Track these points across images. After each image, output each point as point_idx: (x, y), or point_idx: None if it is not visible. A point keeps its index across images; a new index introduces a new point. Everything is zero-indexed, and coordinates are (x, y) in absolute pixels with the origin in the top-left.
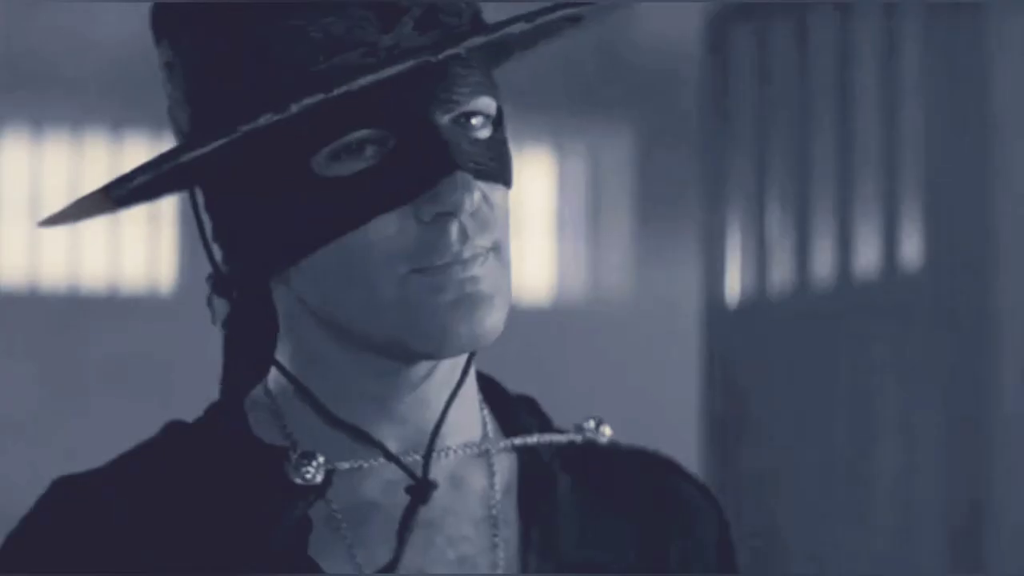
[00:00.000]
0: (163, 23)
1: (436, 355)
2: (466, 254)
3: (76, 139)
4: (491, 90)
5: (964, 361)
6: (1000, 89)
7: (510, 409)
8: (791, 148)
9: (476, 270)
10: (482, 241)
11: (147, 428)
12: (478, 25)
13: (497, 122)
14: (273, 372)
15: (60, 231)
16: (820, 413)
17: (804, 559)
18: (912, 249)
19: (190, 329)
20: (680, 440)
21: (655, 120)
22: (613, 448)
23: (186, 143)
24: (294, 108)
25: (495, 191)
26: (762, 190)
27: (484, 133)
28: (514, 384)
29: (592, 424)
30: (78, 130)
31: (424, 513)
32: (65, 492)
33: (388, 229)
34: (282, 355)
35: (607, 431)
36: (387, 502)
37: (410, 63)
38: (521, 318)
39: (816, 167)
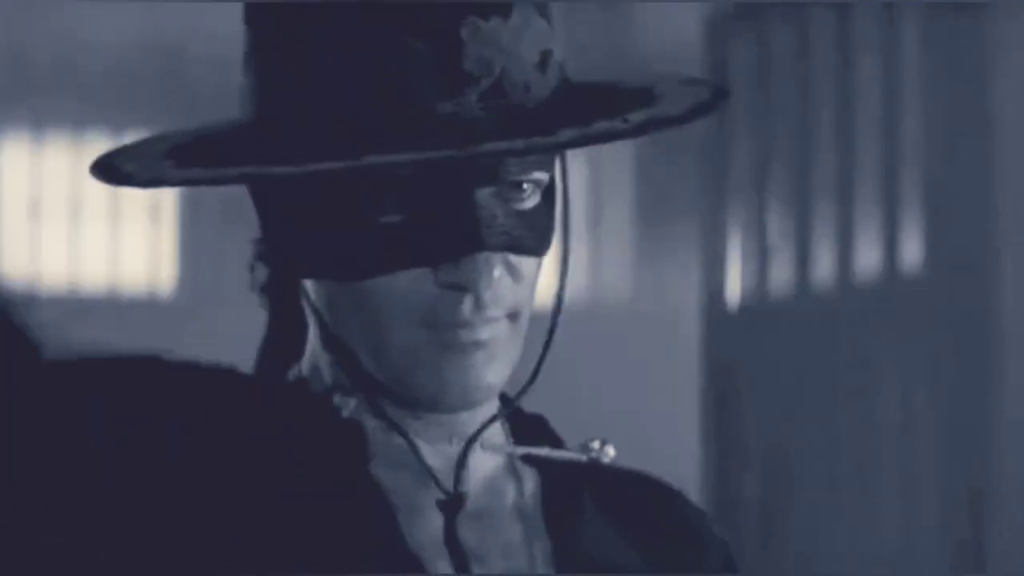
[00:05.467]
0: (253, 9)
1: (435, 407)
2: (477, 321)
3: (77, 141)
4: (545, 164)
5: (965, 363)
6: (1000, 89)
7: (524, 427)
8: (791, 149)
9: (484, 335)
10: (496, 312)
11: None
12: (556, 99)
13: (547, 191)
14: (308, 359)
15: (60, 231)
16: (821, 415)
17: (804, 559)
18: (913, 250)
19: (190, 329)
20: (681, 441)
21: None
22: (618, 470)
23: (237, 171)
24: (327, 166)
25: (525, 262)
26: (762, 192)
27: (529, 203)
28: (514, 387)
29: (597, 444)
30: (79, 131)
31: (468, 514)
32: (161, 365)
33: (404, 283)
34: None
35: (611, 452)
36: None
37: (452, 153)
38: None
39: (816, 168)
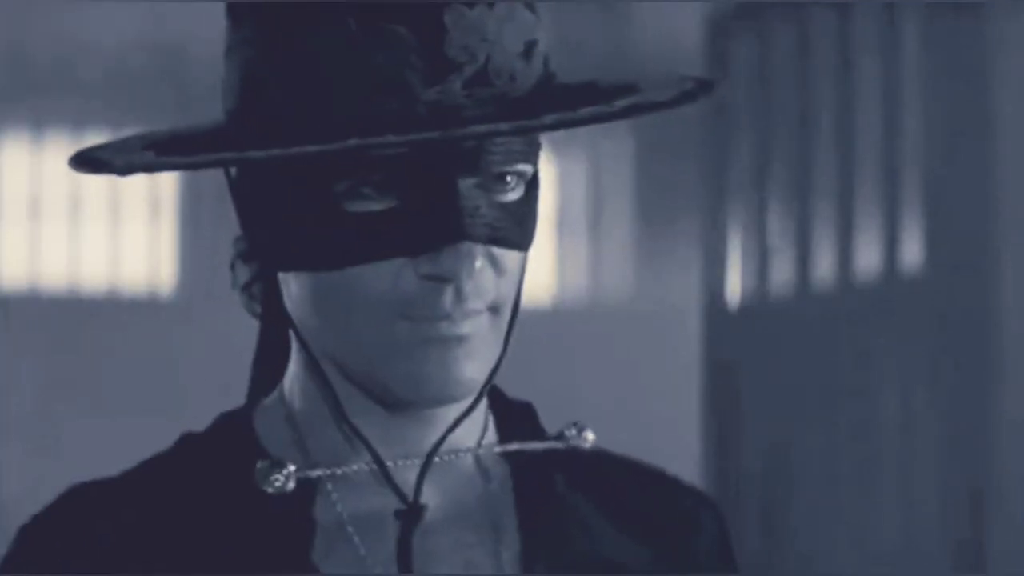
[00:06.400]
0: (232, 4)
1: (412, 402)
2: (457, 314)
3: (76, 140)
4: (530, 156)
5: (965, 363)
6: (1000, 89)
7: (508, 416)
8: (792, 150)
9: (466, 328)
10: (477, 304)
11: (146, 428)
12: (541, 87)
13: (531, 184)
14: (289, 374)
15: (60, 231)
16: (821, 414)
17: (804, 559)
18: (913, 250)
19: (190, 329)
20: (681, 441)
21: (655, 122)
22: (601, 455)
23: (217, 154)
24: (311, 149)
25: (508, 255)
26: (763, 192)
27: (513, 196)
28: (515, 386)
29: (573, 431)
30: (79, 131)
31: (426, 520)
32: (80, 497)
33: (384, 274)
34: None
35: (589, 436)
36: (396, 508)
37: (436, 135)
38: (521, 320)
39: (816, 169)
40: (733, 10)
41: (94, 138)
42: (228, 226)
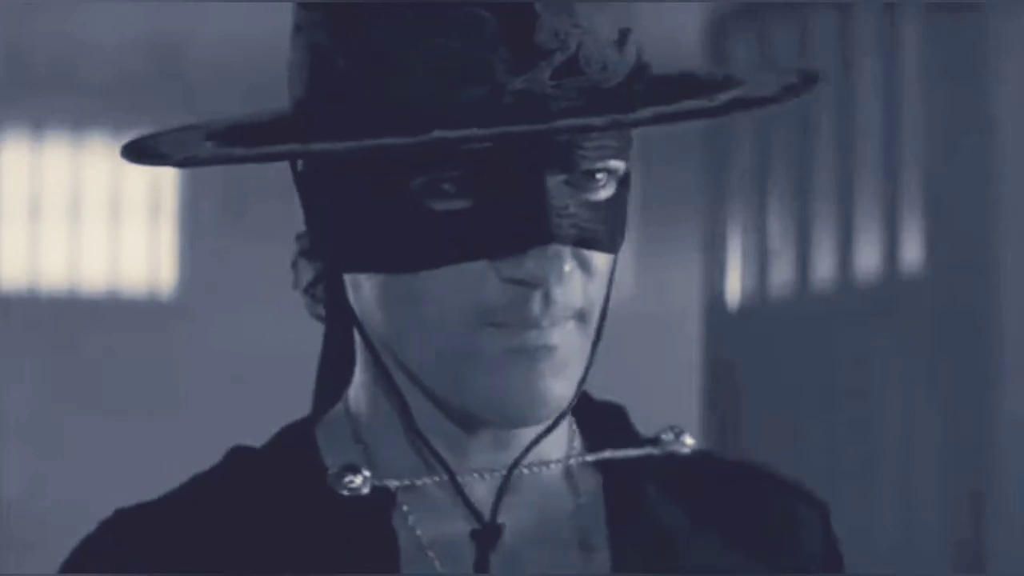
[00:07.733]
0: None
1: (493, 421)
2: (545, 321)
3: (77, 140)
4: (621, 152)
5: (965, 363)
6: (1000, 89)
7: (595, 420)
8: (792, 150)
9: (555, 338)
10: (565, 310)
11: (146, 428)
12: (634, 80)
13: (622, 182)
14: (355, 383)
15: (60, 231)
16: (821, 415)
17: None
18: (913, 250)
19: (190, 329)
20: None
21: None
22: (698, 458)
23: (291, 146)
24: (388, 141)
25: (597, 257)
26: (763, 193)
27: (603, 194)
28: None
29: (671, 435)
30: (79, 131)
31: (507, 539)
32: (125, 523)
33: (464, 277)
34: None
35: (688, 441)
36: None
37: (524, 129)
38: None
39: (816, 168)
40: (733, 10)
41: (94, 138)
42: (230, 227)
